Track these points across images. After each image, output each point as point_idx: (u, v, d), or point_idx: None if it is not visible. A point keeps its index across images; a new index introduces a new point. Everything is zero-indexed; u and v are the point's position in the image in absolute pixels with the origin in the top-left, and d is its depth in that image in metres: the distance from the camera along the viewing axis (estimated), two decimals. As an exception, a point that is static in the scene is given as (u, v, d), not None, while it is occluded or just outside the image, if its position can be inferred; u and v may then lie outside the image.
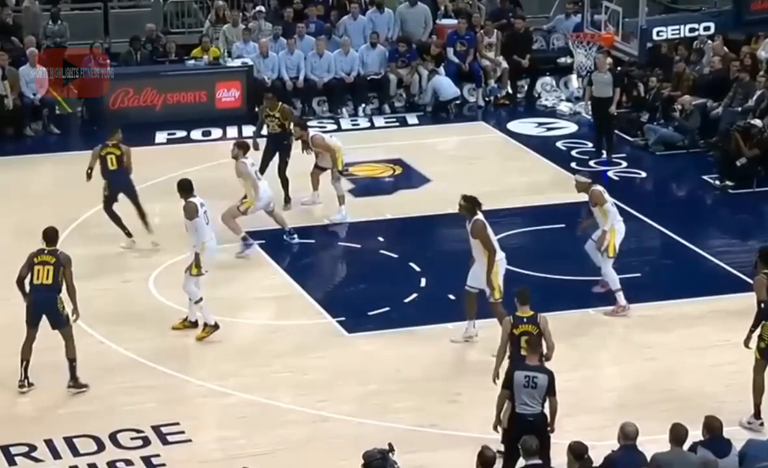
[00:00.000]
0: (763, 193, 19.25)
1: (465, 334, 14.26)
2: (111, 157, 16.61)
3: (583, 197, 15.37)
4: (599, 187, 15.09)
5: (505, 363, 11.71)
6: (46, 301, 12.97)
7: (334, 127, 22.66)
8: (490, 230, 13.88)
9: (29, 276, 13.00)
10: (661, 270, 16.65)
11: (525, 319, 11.74)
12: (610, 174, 20.08)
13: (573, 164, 20.44)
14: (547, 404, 10.94)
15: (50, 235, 13.25)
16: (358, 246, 17.26)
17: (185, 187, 14.77)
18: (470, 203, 13.87)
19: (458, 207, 14.04)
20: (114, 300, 15.42)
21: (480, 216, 13.85)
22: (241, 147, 16.66)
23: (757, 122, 19.76)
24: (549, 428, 10.99)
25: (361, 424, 12.67)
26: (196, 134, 21.75)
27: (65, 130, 22.07)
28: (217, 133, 21.84)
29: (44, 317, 13.10)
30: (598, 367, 14.19)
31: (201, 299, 14.35)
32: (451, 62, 23.89)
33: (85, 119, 22.57)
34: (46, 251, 13.06)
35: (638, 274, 15.96)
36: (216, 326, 14.32)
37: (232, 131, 21.94)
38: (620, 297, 15.04)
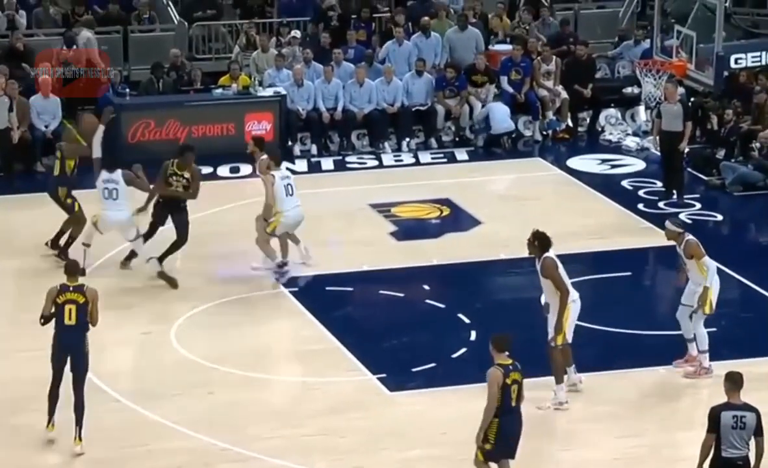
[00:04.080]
0: None
1: (568, 383, 14.29)
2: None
3: (656, 242, 15.25)
4: (694, 238, 14.99)
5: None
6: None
7: (375, 162, 22.72)
8: (562, 269, 14.03)
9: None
10: (741, 324, 16.51)
11: (511, 367, 11.91)
12: (682, 216, 19.94)
13: (640, 205, 20.37)
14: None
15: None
16: (401, 295, 17.23)
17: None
18: (540, 241, 14.06)
19: (527, 245, 14.17)
20: (132, 354, 15.43)
21: (551, 254, 14.01)
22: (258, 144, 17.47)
23: None
24: None
25: (404, 493, 12.58)
26: (223, 171, 21.84)
27: (79, 165, 22.19)
28: (246, 169, 21.76)
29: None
30: (669, 431, 14.03)
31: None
32: (505, 92, 23.92)
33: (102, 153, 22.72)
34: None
35: (714, 329, 15.79)
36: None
37: (262, 167, 22.03)
38: (705, 359, 14.93)
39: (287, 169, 18.07)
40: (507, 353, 11.99)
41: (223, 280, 17.22)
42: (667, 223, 15.27)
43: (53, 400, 13.21)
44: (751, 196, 21.03)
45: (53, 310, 13.03)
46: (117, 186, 17.28)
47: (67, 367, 13.07)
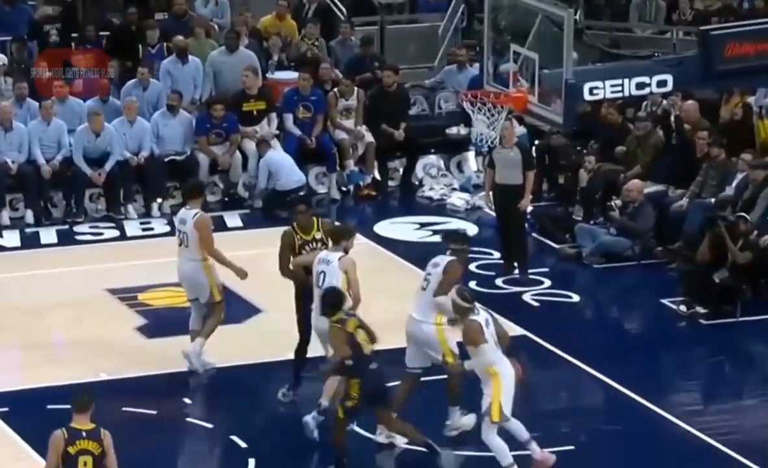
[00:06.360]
0: (752, 324, 19.50)
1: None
2: None
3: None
4: (479, 319, 15.00)
5: None
6: None
7: (116, 233, 22.59)
8: None
9: None
10: (606, 439, 16.71)
11: (85, 433, 12.47)
12: (527, 297, 20.20)
13: (473, 284, 20.54)
14: None
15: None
16: (154, 412, 17.10)
17: None
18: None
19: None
20: None
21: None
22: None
23: (744, 216, 20.02)
24: None
25: None
26: None
27: None
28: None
29: None
30: None
31: None
32: (290, 135, 24.06)
33: None
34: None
35: (571, 447, 16.01)
36: None
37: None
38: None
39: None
40: (87, 415, 12.55)
41: None
42: (454, 294, 15.29)
43: None
44: (615, 268, 21.42)
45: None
46: None
47: None
